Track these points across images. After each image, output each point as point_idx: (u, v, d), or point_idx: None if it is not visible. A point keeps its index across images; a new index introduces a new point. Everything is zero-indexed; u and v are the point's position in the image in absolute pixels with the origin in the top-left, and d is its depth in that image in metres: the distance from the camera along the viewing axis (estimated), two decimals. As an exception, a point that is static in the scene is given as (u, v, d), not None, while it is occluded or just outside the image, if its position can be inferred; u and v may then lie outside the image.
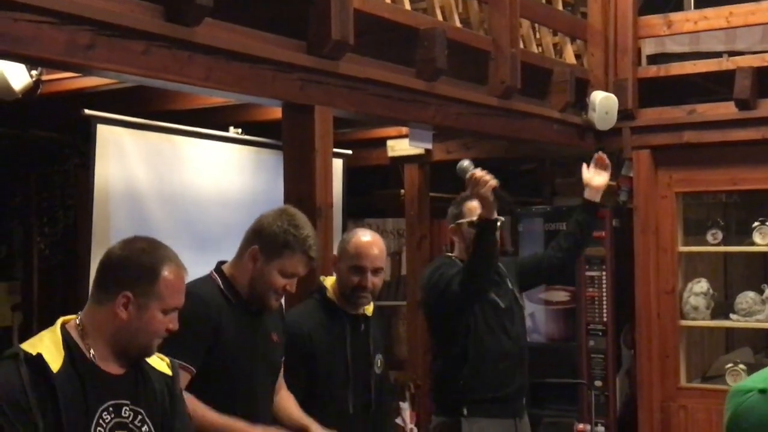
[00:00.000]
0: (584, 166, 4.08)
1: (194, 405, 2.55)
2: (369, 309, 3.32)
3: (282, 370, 3.05)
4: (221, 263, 2.92)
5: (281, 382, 3.06)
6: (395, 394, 5.83)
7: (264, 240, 2.81)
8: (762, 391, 1.56)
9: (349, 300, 3.22)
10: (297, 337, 3.12)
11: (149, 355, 2.25)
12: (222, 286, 2.82)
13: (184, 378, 2.63)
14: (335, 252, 3.36)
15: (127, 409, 2.15)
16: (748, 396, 1.57)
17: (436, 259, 4.08)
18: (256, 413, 2.83)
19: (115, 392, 2.15)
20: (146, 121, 4.59)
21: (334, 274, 3.30)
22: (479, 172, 3.50)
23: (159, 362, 2.29)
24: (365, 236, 3.28)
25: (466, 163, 3.62)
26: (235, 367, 2.77)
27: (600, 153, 4.03)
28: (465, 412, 3.70)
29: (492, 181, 3.49)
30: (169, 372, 2.30)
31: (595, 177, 4.05)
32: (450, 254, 3.90)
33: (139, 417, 2.17)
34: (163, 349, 2.33)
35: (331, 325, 3.20)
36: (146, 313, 2.17)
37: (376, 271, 3.21)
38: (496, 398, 3.75)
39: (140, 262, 2.18)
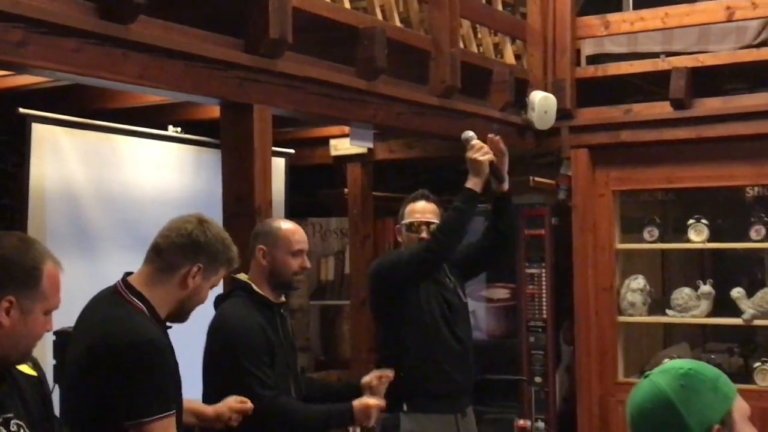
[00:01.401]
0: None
1: None
2: (283, 298, 3.37)
3: None
4: (125, 287, 2.58)
5: None
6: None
7: (208, 257, 2.64)
8: (646, 376, 1.81)
9: (287, 286, 3.30)
10: (258, 333, 3.14)
11: (26, 361, 2.09)
12: (148, 314, 2.58)
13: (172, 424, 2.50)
14: (260, 245, 3.27)
15: (15, 423, 2.00)
16: (639, 382, 1.83)
17: (385, 254, 4.10)
18: None
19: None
20: (83, 120, 4.53)
21: (262, 265, 3.28)
22: (479, 144, 3.67)
23: (23, 367, 2.12)
24: (286, 223, 3.38)
25: (471, 132, 3.76)
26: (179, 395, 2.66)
27: (492, 135, 3.87)
28: (405, 407, 3.71)
29: (491, 155, 3.63)
30: (34, 373, 2.14)
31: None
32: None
33: (21, 430, 2.02)
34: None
35: (267, 318, 3.23)
36: (30, 317, 2.00)
37: (307, 251, 3.33)
38: (437, 394, 3.75)
39: (20, 262, 1.99)
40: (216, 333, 3.21)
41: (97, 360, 2.45)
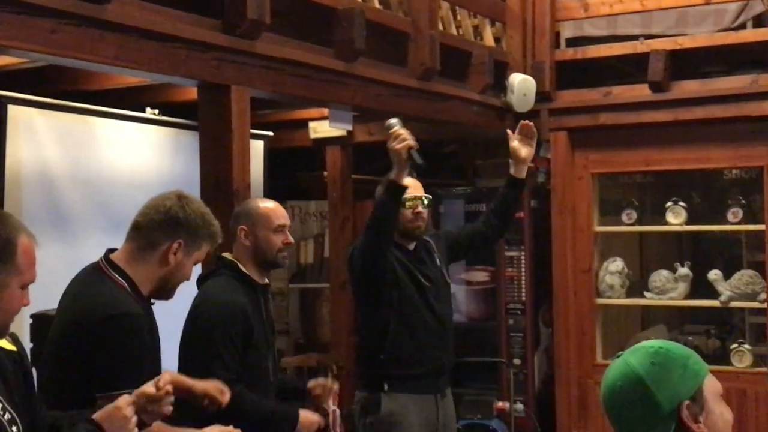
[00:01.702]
0: (510, 133, 4.05)
1: None
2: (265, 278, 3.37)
3: None
4: (107, 263, 2.61)
5: None
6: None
7: (188, 233, 2.65)
8: (618, 356, 1.86)
9: (273, 264, 3.31)
10: (237, 312, 3.13)
11: (3, 336, 2.06)
12: (129, 290, 2.57)
13: None
14: (241, 225, 3.27)
15: None
16: (612, 361, 1.86)
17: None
18: None
19: None
20: (59, 101, 4.50)
21: (245, 245, 3.27)
22: (401, 130, 3.57)
23: (3, 342, 2.09)
24: (265, 201, 3.40)
25: (394, 120, 3.67)
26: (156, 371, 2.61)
27: (525, 120, 4.01)
28: (386, 387, 3.72)
29: (410, 141, 3.56)
30: (14, 348, 2.11)
31: (522, 147, 4.00)
32: None
33: (0, 406, 2.00)
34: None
35: (250, 297, 3.24)
36: (6, 291, 1.96)
37: (289, 227, 3.35)
38: (417, 374, 3.77)
39: None
40: (195, 310, 3.20)
41: (74, 333, 2.47)
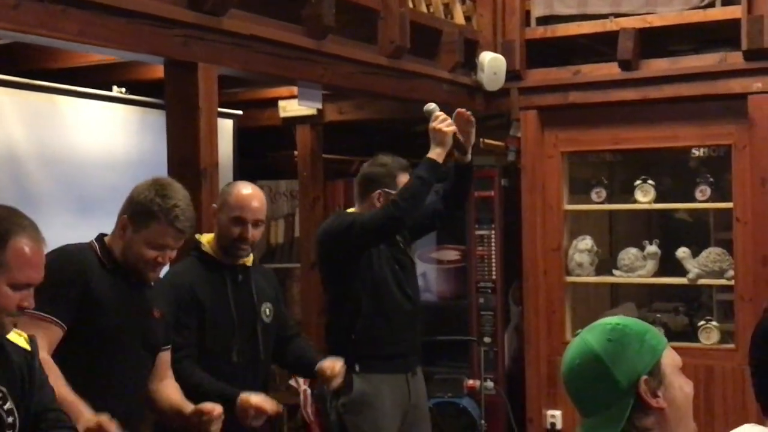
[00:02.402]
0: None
1: (51, 373, 2.43)
2: (248, 260, 3.34)
3: (168, 351, 3.01)
4: (103, 235, 2.87)
5: (167, 370, 3.00)
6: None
7: (132, 209, 2.77)
8: (576, 334, 1.87)
9: (229, 252, 3.26)
10: (180, 288, 3.14)
11: (2, 334, 2.10)
12: (99, 252, 2.78)
13: (55, 334, 2.57)
14: (214, 204, 3.34)
15: None
16: (573, 339, 1.88)
17: (340, 215, 4.05)
18: (119, 385, 2.77)
19: None
20: (25, 80, 4.43)
21: (214, 225, 3.29)
22: (443, 116, 3.76)
23: (17, 337, 2.17)
24: (246, 189, 3.30)
25: (433, 105, 3.84)
26: (103, 335, 2.70)
27: (460, 109, 3.93)
28: (357, 368, 3.71)
29: (454, 127, 3.74)
30: (27, 347, 2.18)
31: (461, 135, 3.88)
32: (351, 210, 3.94)
33: (1, 395, 2.07)
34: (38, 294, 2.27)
35: (211, 277, 3.23)
36: None
37: (256, 223, 3.25)
38: (389, 354, 3.79)
39: None
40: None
41: None
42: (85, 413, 2.43)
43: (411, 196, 3.64)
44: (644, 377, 1.74)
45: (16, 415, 2.07)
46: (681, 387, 1.79)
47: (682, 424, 1.79)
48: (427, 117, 3.79)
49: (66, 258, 2.68)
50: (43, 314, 2.50)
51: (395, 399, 3.79)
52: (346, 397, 3.73)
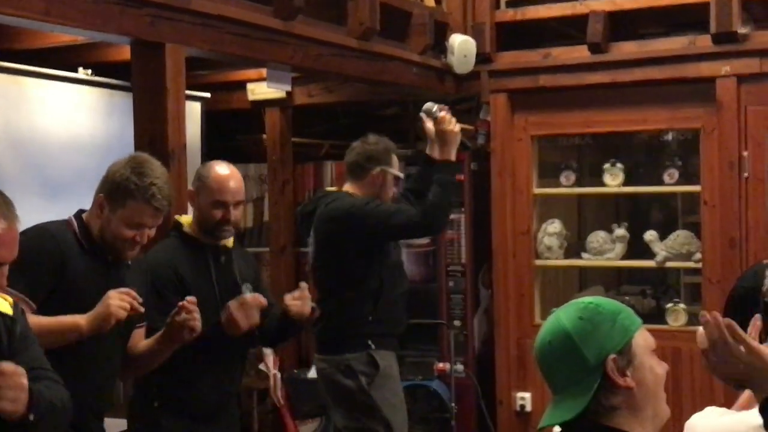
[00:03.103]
0: (423, 118, 3.97)
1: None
2: (229, 242, 3.33)
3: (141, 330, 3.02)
4: (82, 211, 2.85)
5: (139, 341, 3.02)
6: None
7: (108, 188, 2.76)
8: (551, 313, 1.89)
9: (212, 234, 3.24)
10: (162, 268, 3.14)
11: None
12: (77, 231, 2.76)
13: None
14: (191, 187, 3.32)
15: None
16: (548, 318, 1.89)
17: (342, 195, 3.95)
18: (90, 366, 2.76)
19: None
20: (-12, 60, 4.37)
21: (192, 209, 3.26)
22: (447, 114, 3.82)
23: (1, 302, 2.15)
24: (223, 170, 3.28)
25: (432, 104, 3.90)
26: (75, 310, 2.67)
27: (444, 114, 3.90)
28: (372, 345, 3.83)
29: (458, 125, 3.81)
30: (10, 312, 2.15)
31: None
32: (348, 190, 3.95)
33: None
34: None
35: (193, 258, 3.22)
36: None
37: (237, 204, 3.25)
38: (394, 333, 3.97)
39: None
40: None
41: None
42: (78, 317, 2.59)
43: (440, 203, 3.78)
44: (612, 356, 1.74)
45: None
46: (652, 368, 1.79)
47: (650, 404, 1.79)
48: (424, 116, 3.85)
49: (44, 238, 2.66)
50: (13, 291, 2.44)
51: (398, 374, 3.98)
52: (375, 373, 3.82)
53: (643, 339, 1.80)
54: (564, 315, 1.80)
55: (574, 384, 1.76)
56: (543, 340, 1.81)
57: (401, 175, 4.05)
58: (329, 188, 4.06)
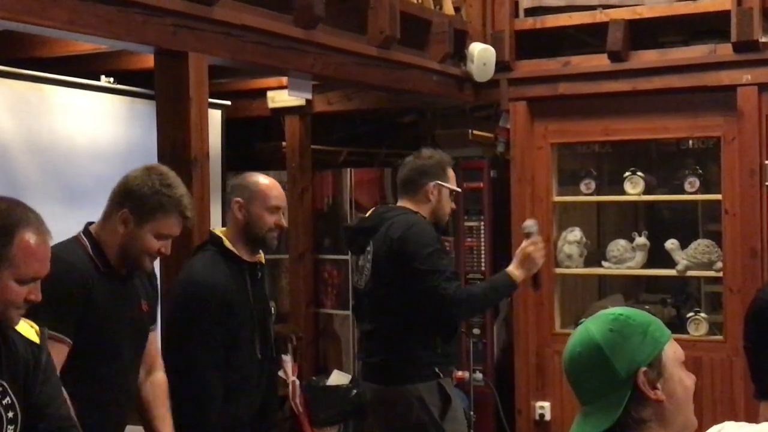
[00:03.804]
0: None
1: None
2: (261, 257, 3.34)
3: (157, 342, 3.05)
4: (90, 224, 2.81)
5: (157, 359, 3.02)
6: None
7: (134, 202, 2.70)
8: (579, 323, 1.88)
9: (264, 241, 3.26)
10: (214, 288, 3.12)
11: (9, 326, 2.08)
12: (91, 252, 2.70)
13: (61, 351, 2.52)
14: (236, 197, 3.28)
15: None
16: (576, 328, 1.87)
17: (409, 215, 3.79)
18: (121, 384, 2.78)
19: None
20: (12, 68, 4.39)
21: (237, 219, 3.25)
22: (538, 238, 3.79)
23: (28, 329, 2.14)
24: (266, 178, 3.35)
25: (531, 222, 3.89)
26: (103, 337, 2.68)
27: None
28: (441, 375, 3.72)
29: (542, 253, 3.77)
30: (36, 340, 2.15)
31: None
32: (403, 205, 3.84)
33: (1, 389, 2.03)
34: (35, 321, 2.23)
35: (234, 274, 3.21)
36: None
37: (284, 210, 3.33)
38: (453, 363, 3.93)
39: None
40: (177, 286, 3.20)
41: None
42: None
43: (479, 304, 3.85)
44: (643, 369, 1.74)
45: (17, 410, 2.04)
46: (681, 380, 1.79)
47: (680, 417, 1.79)
48: (525, 232, 3.80)
49: (65, 269, 2.57)
50: (53, 333, 2.44)
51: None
52: (444, 406, 3.70)
53: (672, 351, 1.80)
54: (594, 326, 1.80)
55: (604, 396, 1.75)
56: (572, 351, 1.80)
57: (458, 189, 3.98)
58: (400, 204, 3.87)
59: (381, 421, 3.85)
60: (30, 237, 2.03)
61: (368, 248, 3.76)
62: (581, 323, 1.85)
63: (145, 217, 2.69)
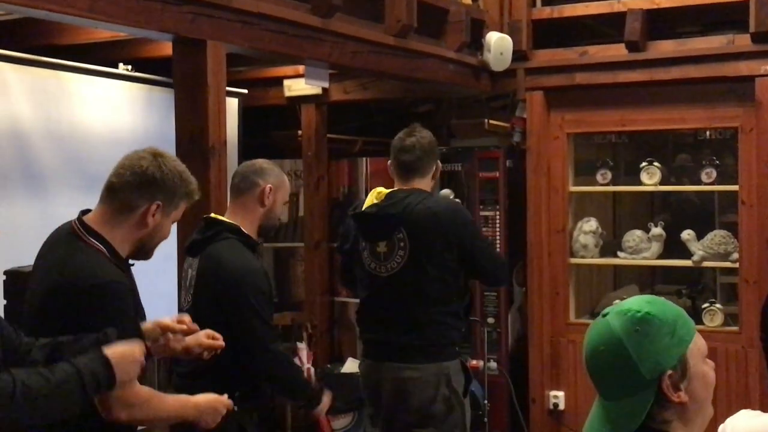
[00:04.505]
0: None
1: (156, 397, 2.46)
2: None
3: None
4: (86, 227, 2.53)
5: None
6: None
7: (166, 194, 2.56)
8: (604, 315, 1.78)
9: (272, 229, 3.39)
10: (263, 275, 3.23)
11: None
12: (108, 254, 2.50)
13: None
14: (269, 183, 3.31)
15: None
16: (597, 319, 1.79)
17: (438, 197, 3.95)
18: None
19: None
20: (31, 56, 4.42)
21: (264, 204, 3.30)
22: None
23: None
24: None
25: (448, 192, 4.10)
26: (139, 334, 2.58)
27: None
28: (460, 353, 3.87)
29: None
30: None
31: None
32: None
33: None
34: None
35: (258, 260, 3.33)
36: None
37: None
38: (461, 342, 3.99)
39: None
40: (220, 273, 3.19)
41: (57, 303, 2.41)
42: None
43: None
44: (669, 372, 1.69)
45: None
46: (704, 375, 1.75)
47: (701, 414, 1.76)
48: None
49: (116, 284, 2.44)
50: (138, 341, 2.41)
51: None
52: (466, 382, 3.82)
53: (697, 347, 1.74)
54: (618, 324, 1.72)
55: (626, 395, 1.70)
56: (595, 348, 1.74)
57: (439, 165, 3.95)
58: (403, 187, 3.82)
59: (406, 398, 3.77)
60: None
61: (399, 234, 3.69)
62: (604, 315, 1.77)
63: (172, 206, 2.60)
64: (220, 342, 2.82)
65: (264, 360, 3.18)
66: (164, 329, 2.58)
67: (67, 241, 2.51)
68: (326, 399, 3.48)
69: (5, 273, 3.58)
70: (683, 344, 1.72)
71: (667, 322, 1.72)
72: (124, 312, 2.43)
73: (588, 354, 1.76)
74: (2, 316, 2.25)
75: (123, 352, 2.17)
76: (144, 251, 2.63)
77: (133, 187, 2.52)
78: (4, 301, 3.69)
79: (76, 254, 2.46)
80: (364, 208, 3.76)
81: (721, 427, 2.39)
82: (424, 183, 3.79)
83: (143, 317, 2.61)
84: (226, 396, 2.58)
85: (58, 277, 2.43)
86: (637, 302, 1.76)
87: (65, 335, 2.33)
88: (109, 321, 2.35)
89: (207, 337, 2.80)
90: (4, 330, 2.19)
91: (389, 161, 3.86)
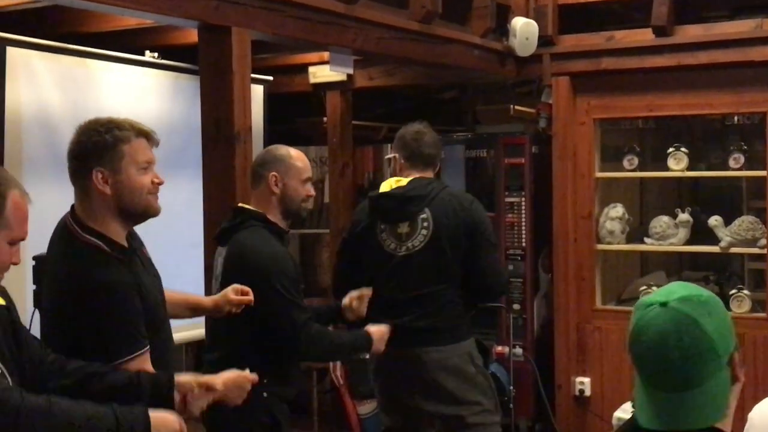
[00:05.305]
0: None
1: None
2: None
3: None
4: (79, 222, 2.46)
5: None
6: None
7: (95, 157, 2.40)
8: (662, 304, 1.67)
9: (299, 213, 3.38)
10: (289, 259, 3.29)
11: None
12: (107, 248, 2.43)
13: (146, 360, 2.45)
14: (272, 172, 3.29)
15: None
16: (650, 309, 1.69)
17: (451, 189, 3.97)
18: (169, 348, 2.71)
19: None
20: (58, 43, 4.46)
21: (274, 192, 3.30)
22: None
23: None
24: (294, 150, 3.40)
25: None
26: (155, 324, 2.56)
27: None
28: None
29: None
30: (2, 302, 2.07)
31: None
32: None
33: None
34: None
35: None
36: None
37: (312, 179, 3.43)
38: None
39: None
40: (245, 260, 3.21)
41: (62, 305, 2.43)
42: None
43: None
44: (735, 352, 1.67)
45: (8, 376, 1.99)
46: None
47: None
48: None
49: (117, 282, 2.40)
50: (142, 351, 2.42)
51: None
52: (485, 358, 4.02)
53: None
54: (690, 309, 1.65)
55: (708, 379, 1.64)
56: (665, 337, 1.65)
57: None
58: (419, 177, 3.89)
59: (434, 380, 3.80)
60: (20, 198, 1.99)
61: (423, 215, 3.78)
62: (663, 305, 1.67)
63: (114, 162, 2.41)
64: (250, 296, 2.95)
65: (301, 342, 3.20)
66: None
67: (65, 241, 2.48)
68: (375, 335, 3.48)
69: (34, 258, 3.62)
70: (733, 328, 1.71)
71: (719, 302, 1.71)
72: (128, 311, 2.41)
73: (654, 345, 1.66)
74: (29, 327, 2.27)
75: (165, 420, 2.15)
76: (134, 212, 2.48)
77: (72, 171, 2.46)
78: (33, 287, 3.73)
79: (72, 256, 2.43)
80: (389, 189, 3.83)
81: (750, 415, 2.38)
82: (433, 175, 3.97)
83: (159, 303, 2.59)
84: (248, 370, 2.57)
85: (60, 279, 2.45)
86: (686, 287, 1.71)
87: (75, 336, 2.37)
88: (113, 323, 2.36)
89: (235, 293, 2.93)
90: (31, 345, 2.20)
91: (396, 153, 3.93)
